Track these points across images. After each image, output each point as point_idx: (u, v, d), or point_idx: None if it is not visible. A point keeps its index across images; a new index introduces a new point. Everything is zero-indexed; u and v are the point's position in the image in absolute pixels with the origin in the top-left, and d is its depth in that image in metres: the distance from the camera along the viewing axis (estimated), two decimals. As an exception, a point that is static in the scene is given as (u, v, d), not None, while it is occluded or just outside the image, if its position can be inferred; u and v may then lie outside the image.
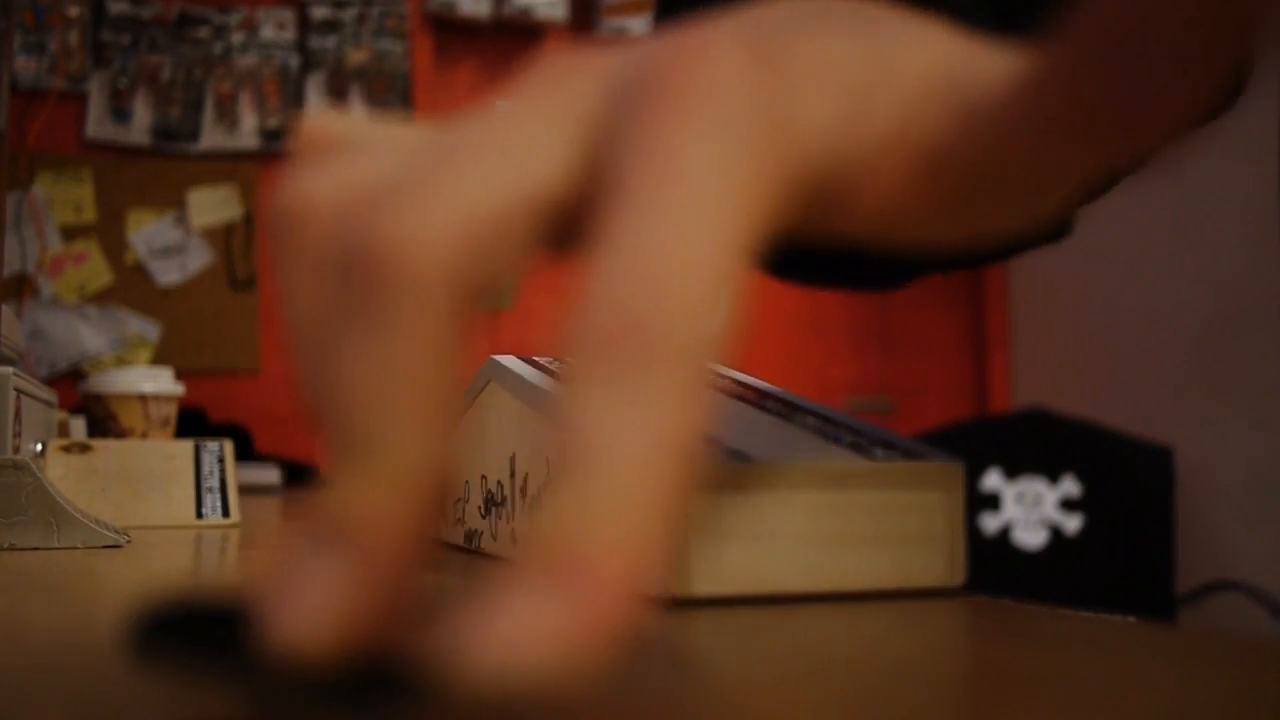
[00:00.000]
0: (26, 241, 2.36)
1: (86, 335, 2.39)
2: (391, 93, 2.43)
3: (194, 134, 2.42)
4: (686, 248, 0.17)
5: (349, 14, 2.47)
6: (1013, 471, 2.04)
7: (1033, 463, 2.03)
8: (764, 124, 0.19)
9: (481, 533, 0.53)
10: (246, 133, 2.42)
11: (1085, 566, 1.98)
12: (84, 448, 0.76)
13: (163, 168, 2.43)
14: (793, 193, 0.20)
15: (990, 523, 2.03)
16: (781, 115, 0.19)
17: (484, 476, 0.53)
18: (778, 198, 0.19)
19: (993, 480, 2.04)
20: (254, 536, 0.72)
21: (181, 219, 2.45)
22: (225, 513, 0.77)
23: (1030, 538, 2.02)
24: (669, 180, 0.17)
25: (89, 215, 2.42)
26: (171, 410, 0.95)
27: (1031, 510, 2.02)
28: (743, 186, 0.18)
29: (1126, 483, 1.99)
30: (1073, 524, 1.99)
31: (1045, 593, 1.93)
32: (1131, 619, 0.34)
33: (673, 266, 0.17)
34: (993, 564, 2.00)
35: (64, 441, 0.78)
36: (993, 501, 2.04)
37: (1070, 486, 2.00)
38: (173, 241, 2.46)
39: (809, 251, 0.38)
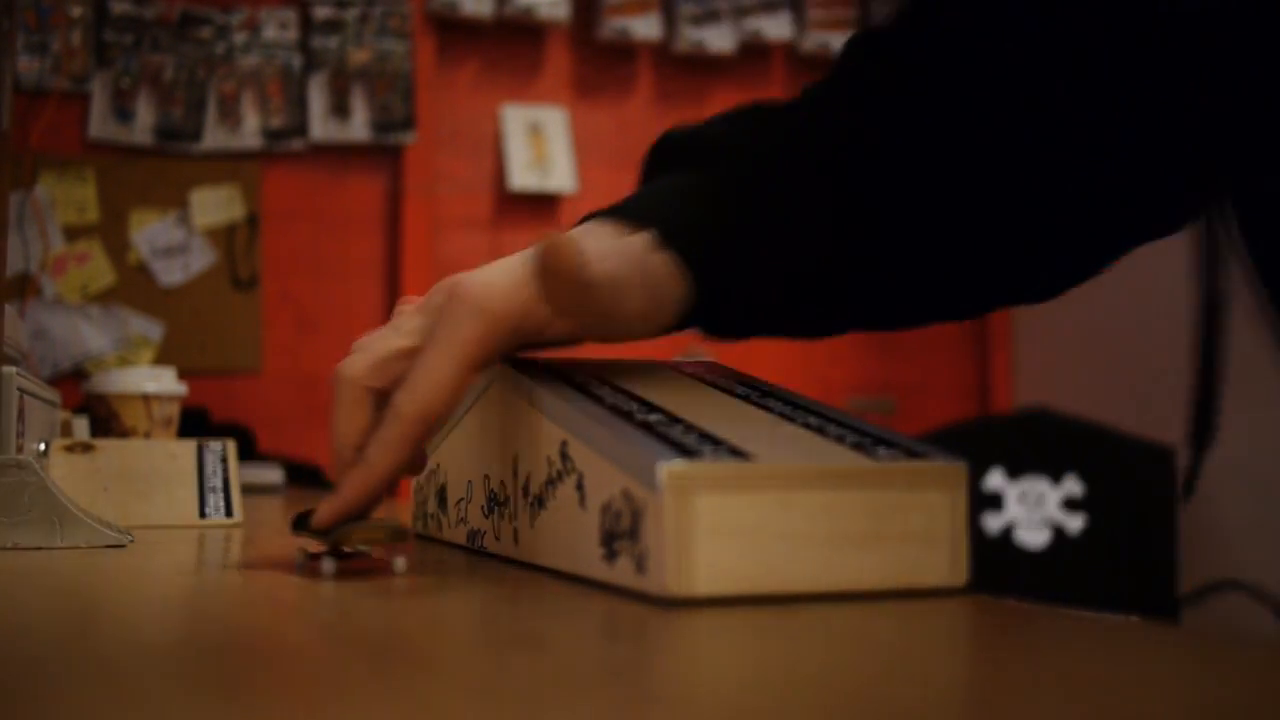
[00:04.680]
0: (29, 241, 2.36)
1: (89, 335, 2.39)
2: (393, 93, 2.43)
3: (196, 134, 2.42)
4: (433, 366, 0.46)
5: (351, 14, 2.47)
6: (1015, 471, 2.03)
7: (1035, 462, 2.03)
8: (464, 346, 0.47)
9: (484, 532, 0.53)
10: (249, 133, 2.42)
11: (1088, 566, 1.98)
12: (87, 447, 0.76)
13: (165, 168, 2.43)
14: (467, 368, 0.47)
15: (993, 522, 2.03)
16: (478, 339, 0.47)
17: (486, 476, 0.53)
18: (459, 369, 0.46)
19: (995, 480, 2.04)
20: (257, 536, 0.72)
21: (184, 219, 2.45)
22: (229, 512, 0.76)
23: (1033, 537, 2.01)
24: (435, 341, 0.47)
25: (92, 215, 2.42)
26: (174, 410, 0.95)
27: (1034, 510, 2.01)
28: (462, 343, 0.46)
29: (1130, 482, 1.98)
30: (1075, 524, 1.99)
31: (1048, 593, 1.92)
32: (1134, 619, 0.34)
33: (425, 375, 0.46)
34: (995, 564, 1.99)
35: (67, 441, 0.77)
36: (995, 501, 2.03)
37: (1073, 486, 2.00)
38: (175, 241, 2.46)
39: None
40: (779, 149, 0.56)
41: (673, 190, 0.54)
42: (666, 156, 0.58)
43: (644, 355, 0.56)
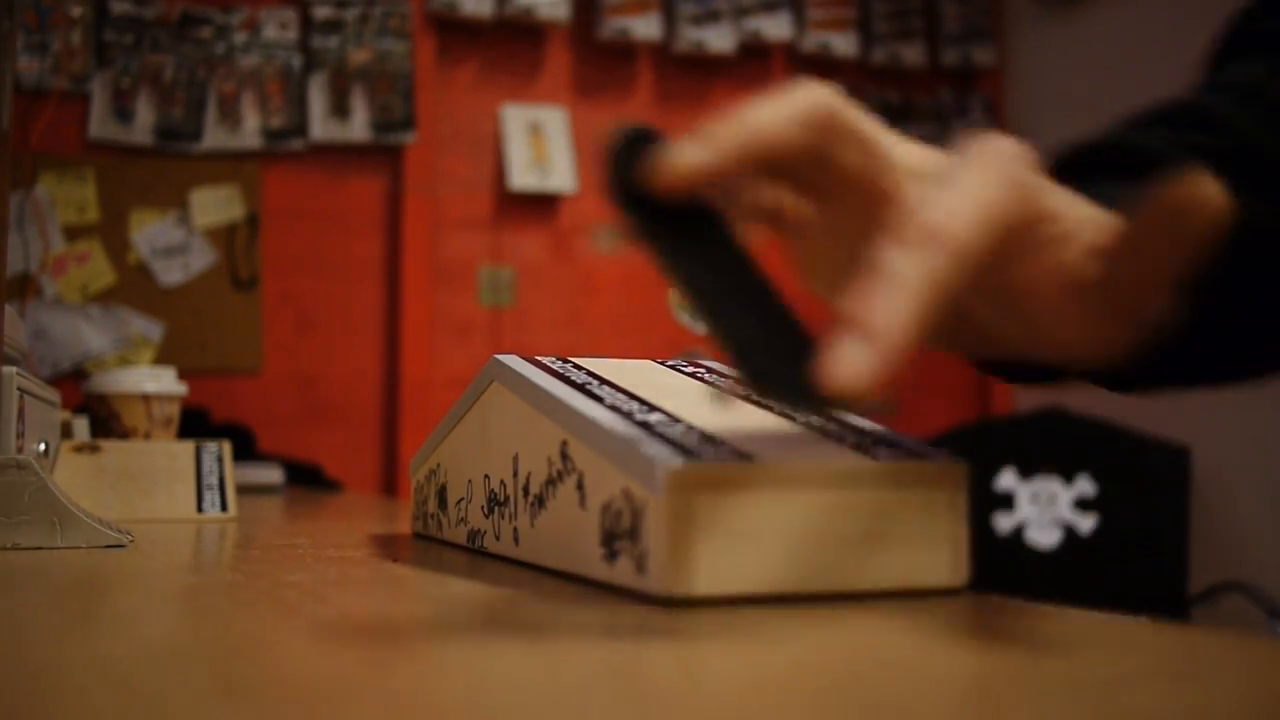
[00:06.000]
0: (29, 241, 2.36)
1: (89, 335, 2.39)
2: (393, 93, 2.43)
3: (197, 134, 2.42)
4: (956, 200, 0.34)
5: (351, 14, 2.47)
6: (1027, 471, 2.03)
7: (1047, 462, 2.02)
8: (1011, 178, 0.36)
9: (485, 532, 0.53)
10: (249, 133, 2.42)
11: (1099, 566, 1.98)
12: (94, 448, 0.82)
13: (165, 168, 2.43)
14: (1013, 212, 0.35)
15: (1004, 522, 2.03)
16: (1022, 181, 0.36)
17: (487, 476, 0.53)
18: (1007, 207, 0.35)
19: (1007, 480, 2.03)
20: (252, 533, 0.72)
21: (184, 219, 2.45)
22: (224, 508, 0.83)
23: (1044, 537, 2.01)
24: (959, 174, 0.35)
25: (92, 215, 2.42)
26: (174, 410, 0.94)
27: (1046, 510, 2.01)
28: (992, 187, 0.35)
29: (1142, 482, 1.98)
30: (1087, 524, 1.99)
31: (1058, 592, 1.91)
32: (1143, 619, 0.34)
33: (950, 204, 0.34)
34: (1006, 564, 1.99)
35: (75, 442, 0.83)
36: (1007, 501, 2.03)
37: (1085, 486, 1.99)
38: (175, 241, 2.46)
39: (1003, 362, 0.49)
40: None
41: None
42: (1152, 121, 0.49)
43: (644, 356, 0.56)
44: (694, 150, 0.35)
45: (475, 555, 0.54)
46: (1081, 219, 0.39)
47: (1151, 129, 0.49)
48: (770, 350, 0.35)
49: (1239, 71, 0.52)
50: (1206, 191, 0.33)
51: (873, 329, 0.31)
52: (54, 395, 0.78)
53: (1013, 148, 0.36)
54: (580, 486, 0.42)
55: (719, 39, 2.48)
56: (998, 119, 2.60)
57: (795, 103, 0.37)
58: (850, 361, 0.31)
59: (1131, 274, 0.36)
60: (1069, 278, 0.38)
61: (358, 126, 2.43)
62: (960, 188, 0.34)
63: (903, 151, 0.40)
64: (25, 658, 0.29)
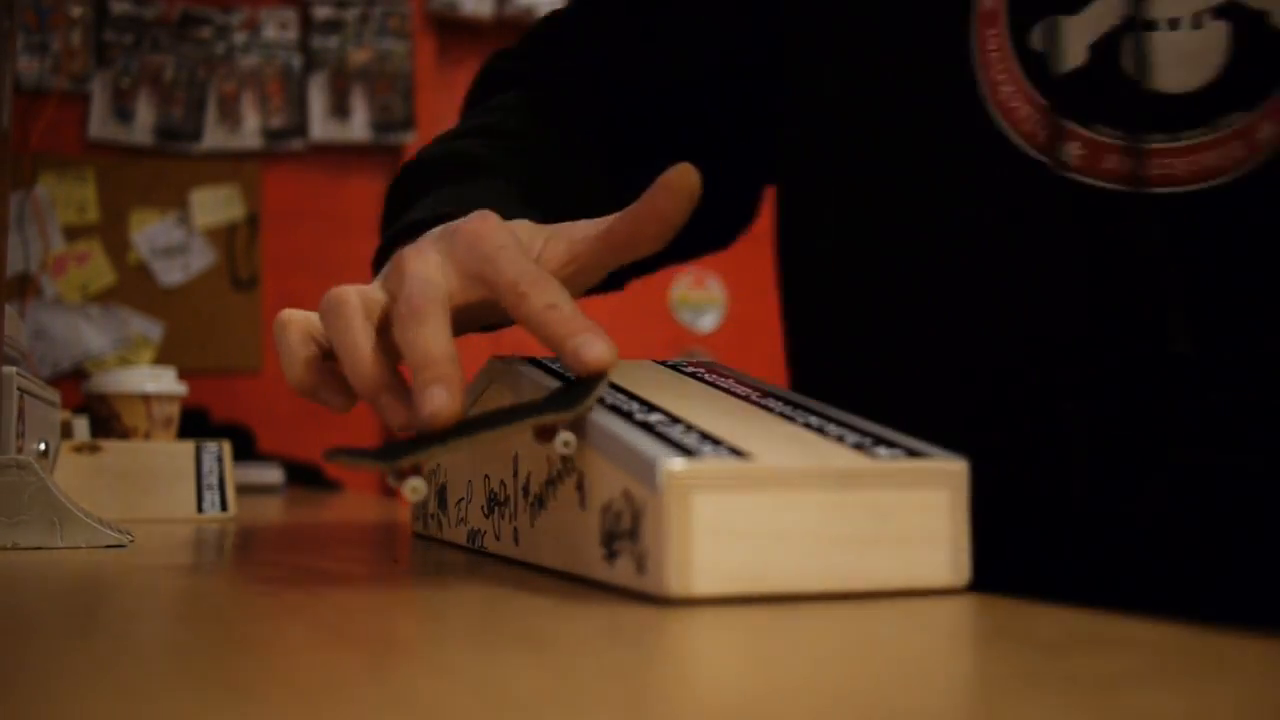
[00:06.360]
0: (29, 241, 2.36)
1: (89, 335, 2.39)
2: (393, 93, 2.43)
3: (196, 134, 2.42)
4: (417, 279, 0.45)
5: (351, 14, 2.47)
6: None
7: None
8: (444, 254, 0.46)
9: (484, 532, 0.53)
10: (249, 133, 2.43)
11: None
12: (94, 448, 0.82)
13: (165, 168, 2.43)
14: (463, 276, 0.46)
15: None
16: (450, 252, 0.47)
17: (487, 476, 0.53)
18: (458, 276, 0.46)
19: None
20: (252, 532, 0.72)
21: (184, 219, 2.45)
22: (224, 507, 0.83)
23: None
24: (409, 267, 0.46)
25: (92, 215, 2.42)
26: (174, 410, 0.95)
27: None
28: (439, 265, 0.46)
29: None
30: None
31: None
32: (1143, 619, 0.34)
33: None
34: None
35: (76, 442, 0.83)
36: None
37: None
38: (175, 241, 2.46)
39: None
40: (529, 148, 0.66)
41: (493, 193, 0.57)
42: (424, 176, 0.64)
43: (644, 355, 0.56)
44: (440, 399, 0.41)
45: (475, 555, 0.54)
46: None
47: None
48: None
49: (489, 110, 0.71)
50: (689, 180, 0.46)
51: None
52: (54, 395, 0.78)
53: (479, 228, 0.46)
54: (580, 487, 0.42)
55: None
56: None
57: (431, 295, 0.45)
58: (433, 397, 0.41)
59: (615, 250, 0.48)
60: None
61: (358, 126, 2.43)
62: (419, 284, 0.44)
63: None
64: (25, 658, 0.29)
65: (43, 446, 0.71)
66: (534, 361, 0.52)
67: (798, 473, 0.37)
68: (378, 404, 0.44)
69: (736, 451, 0.38)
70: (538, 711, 0.23)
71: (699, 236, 0.63)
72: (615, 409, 0.43)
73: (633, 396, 0.46)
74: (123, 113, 2.40)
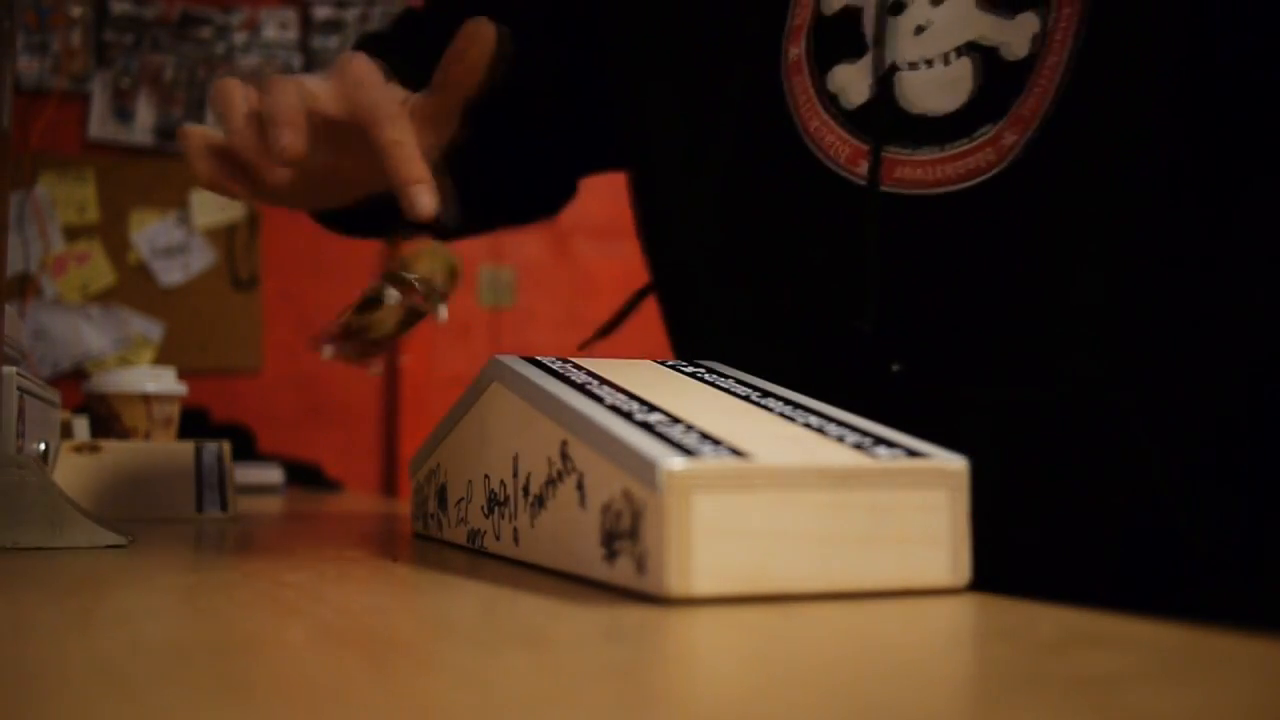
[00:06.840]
0: (30, 241, 2.36)
1: (89, 335, 2.39)
2: (394, 92, 2.43)
3: (196, 134, 2.42)
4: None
5: (351, 14, 2.47)
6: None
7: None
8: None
9: (484, 532, 0.53)
10: (249, 133, 2.42)
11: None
12: (94, 448, 0.81)
13: (165, 168, 2.43)
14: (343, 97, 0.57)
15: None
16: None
17: (487, 476, 0.53)
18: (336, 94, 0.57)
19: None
20: (251, 532, 0.72)
21: (184, 219, 2.45)
22: (224, 508, 0.83)
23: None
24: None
25: (92, 215, 2.42)
26: (174, 410, 0.94)
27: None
28: (316, 78, 0.59)
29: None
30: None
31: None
32: (1141, 617, 0.34)
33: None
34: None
35: (75, 442, 0.82)
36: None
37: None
38: (175, 241, 2.46)
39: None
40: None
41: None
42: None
43: (644, 356, 0.56)
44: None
45: (475, 555, 0.54)
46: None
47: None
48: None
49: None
50: (485, 30, 0.56)
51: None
52: (54, 395, 0.78)
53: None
54: (580, 486, 0.42)
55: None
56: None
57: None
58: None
59: (443, 99, 0.57)
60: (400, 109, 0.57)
61: (358, 126, 2.42)
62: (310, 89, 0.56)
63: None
64: (25, 658, 0.29)
65: (43, 446, 0.71)
66: (534, 361, 0.52)
67: (797, 473, 0.37)
68: (276, 134, 0.54)
69: (736, 451, 0.38)
70: (537, 711, 0.23)
71: (530, 204, 0.83)
72: (615, 409, 0.43)
73: (633, 396, 0.46)
74: (123, 113, 2.40)
